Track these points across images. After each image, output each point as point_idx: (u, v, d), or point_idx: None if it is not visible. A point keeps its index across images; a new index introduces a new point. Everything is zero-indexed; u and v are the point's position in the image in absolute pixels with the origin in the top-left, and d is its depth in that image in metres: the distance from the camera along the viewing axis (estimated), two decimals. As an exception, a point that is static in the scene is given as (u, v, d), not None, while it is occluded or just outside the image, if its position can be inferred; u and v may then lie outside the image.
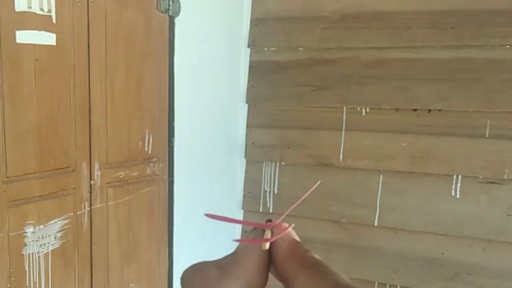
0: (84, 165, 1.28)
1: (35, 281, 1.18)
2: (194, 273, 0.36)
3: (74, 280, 1.28)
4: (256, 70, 2.01)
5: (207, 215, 0.41)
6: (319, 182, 0.39)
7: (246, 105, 2.04)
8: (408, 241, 1.86)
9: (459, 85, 1.74)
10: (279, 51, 1.96)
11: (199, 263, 0.36)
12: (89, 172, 1.29)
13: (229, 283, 0.34)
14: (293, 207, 0.39)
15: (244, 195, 2.08)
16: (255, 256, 0.36)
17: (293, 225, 0.39)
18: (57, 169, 1.21)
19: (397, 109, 1.82)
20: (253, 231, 0.40)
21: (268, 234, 0.37)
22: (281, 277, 0.36)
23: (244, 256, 0.36)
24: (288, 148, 1.98)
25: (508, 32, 1.67)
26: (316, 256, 0.35)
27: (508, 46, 1.68)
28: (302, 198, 0.40)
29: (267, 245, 0.36)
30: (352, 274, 1.93)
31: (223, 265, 0.35)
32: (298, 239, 0.38)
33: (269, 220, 0.40)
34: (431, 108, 1.77)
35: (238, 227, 1.94)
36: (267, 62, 1.99)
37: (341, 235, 1.94)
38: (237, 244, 0.39)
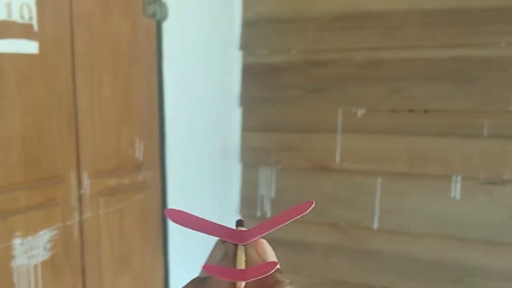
0: (72, 174, 1.26)
1: (24, 293, 1.16)
2: None
3: (65, 292, 1.26)
4: (248, 73, 1.98)
5: (168, 212, 0.37)
6: (313, 204, 0.37)
7: (240, 109, 2.01)
8: (408, 244, 1.82)
9: (455, 84, 1.71)
10: (271, 53, 1.94)
11: None
12: (77, 181, 1.28)
13: None
14: (280, 226, 0.35)
15: (240, 200, 2.05)
16: None
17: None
18: (44, 179, 1.19)
19: (393, 110, 1.79)
20: (220, 247, 0.36)
21: (241, 253, 0.33)
22: None
23: None
24: (284, 151, 1.95)
25: (502, 30, 1.64)
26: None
27: (502, 45, 1.64)
28: (294, 219, 0.35)
29: (243, 284, 0.31)
30: (353, 278, 1.90)
31: None
32: (272, 256, 0.34)
33: (240, 224, 0.35)
34: (427, 108, 1.74)
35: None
36: (259, 65, 1.96)
37: (340, 239, 1.91)
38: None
